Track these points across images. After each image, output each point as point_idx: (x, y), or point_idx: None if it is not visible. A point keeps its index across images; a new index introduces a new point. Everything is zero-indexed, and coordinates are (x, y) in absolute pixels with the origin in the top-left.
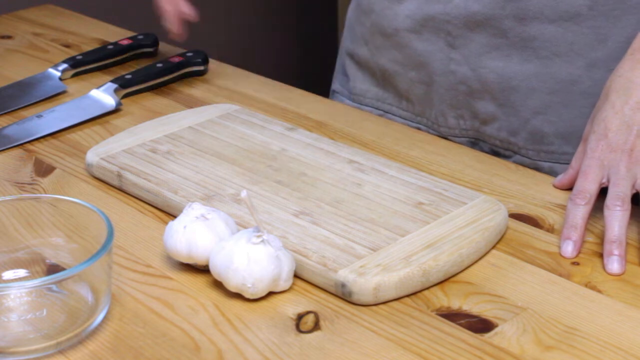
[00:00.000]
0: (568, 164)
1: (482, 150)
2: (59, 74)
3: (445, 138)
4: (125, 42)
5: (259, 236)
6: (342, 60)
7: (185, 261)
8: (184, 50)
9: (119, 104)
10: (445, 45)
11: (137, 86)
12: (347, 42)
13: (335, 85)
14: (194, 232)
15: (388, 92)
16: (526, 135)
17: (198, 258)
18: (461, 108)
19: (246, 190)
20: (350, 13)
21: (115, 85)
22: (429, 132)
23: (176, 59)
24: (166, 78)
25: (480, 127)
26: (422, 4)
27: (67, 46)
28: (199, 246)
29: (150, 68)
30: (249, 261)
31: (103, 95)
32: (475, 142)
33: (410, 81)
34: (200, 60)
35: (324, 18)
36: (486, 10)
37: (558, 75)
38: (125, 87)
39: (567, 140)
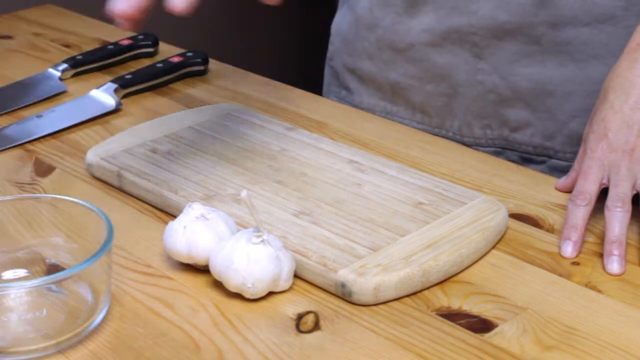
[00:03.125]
0: None
1: (510, 159)
2: (59, 74)
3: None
4: (125, 42)
5: (259, 236)
6: (336, 73)
7: (185, 261)
8: (184, 50)
9: (119, 104)
10: (470, 56)
11: (137, 86)
12: (343, 56)
13: (332, 98)
14: (194, 232)
15: (398, 106)
16: (563, 139)
17: (198, 258)
18: (489, 117)
19: (246, 190)
20: (345, 28)
21: (115, 85)
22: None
23: (176, 59)
24: (166, 78)
25: (510, 135)
26: (441, 18)
27: (67, 46)
28: (199, 246)
29: (150, 68)
30: (249, 261)
31: (103, 95)
32: (502, 151)
33: (427, 94)
34: (200, 60)
35: (324, 18)
36: (516, 18)
37: (595, 77)
38: (125, 87)
39: None
